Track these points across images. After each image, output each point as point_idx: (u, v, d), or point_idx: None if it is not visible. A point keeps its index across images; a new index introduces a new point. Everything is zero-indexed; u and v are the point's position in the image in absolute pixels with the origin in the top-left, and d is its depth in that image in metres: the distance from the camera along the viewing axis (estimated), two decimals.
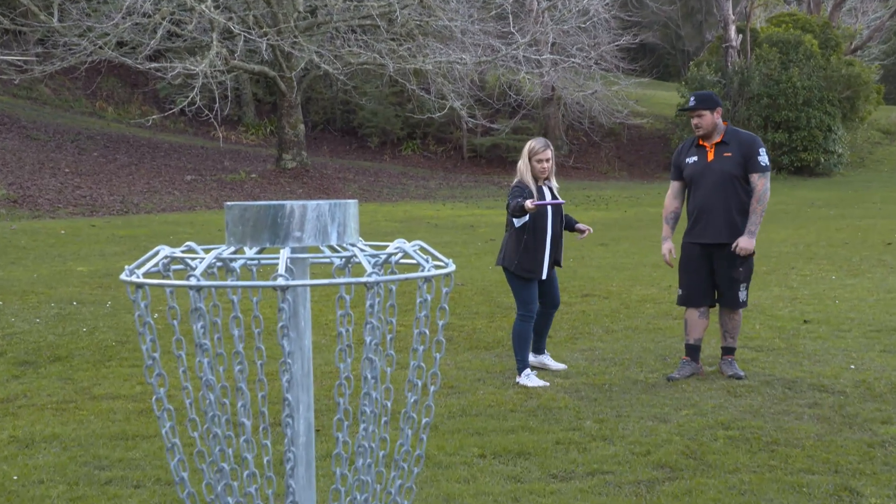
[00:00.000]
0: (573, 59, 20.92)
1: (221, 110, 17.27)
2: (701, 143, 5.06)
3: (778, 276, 8.48)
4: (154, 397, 1.84)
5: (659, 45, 34.74)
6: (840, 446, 3.72)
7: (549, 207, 4.96)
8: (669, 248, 5.13)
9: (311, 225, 1.73)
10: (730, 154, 4.99)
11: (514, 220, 4.94)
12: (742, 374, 4.97)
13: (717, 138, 5.03)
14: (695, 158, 5.04)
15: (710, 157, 5.00)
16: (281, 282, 1.60)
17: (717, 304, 5.09)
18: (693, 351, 5.04)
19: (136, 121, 20.94)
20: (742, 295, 5.01)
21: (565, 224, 5.11)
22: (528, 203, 4.72)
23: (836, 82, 23.61)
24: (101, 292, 7.71)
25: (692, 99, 5.05)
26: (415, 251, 1.78)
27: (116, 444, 3.91)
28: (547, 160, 4.94)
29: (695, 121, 5.01)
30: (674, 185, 5.16)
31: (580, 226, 5.09)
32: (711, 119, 4.99)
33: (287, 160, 19.09)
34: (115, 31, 15.80)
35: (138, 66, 16.32)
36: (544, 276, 4.95)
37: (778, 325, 6.23)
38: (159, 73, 16.65)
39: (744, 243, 4.94)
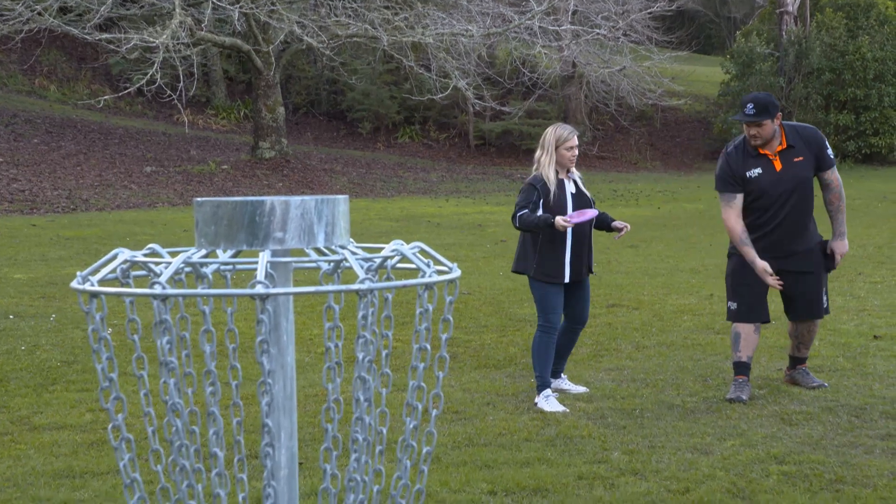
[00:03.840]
0: (598, 31, 20.95)
1: (186, 90, 17.34)
2: (761, 151, 5.05)
3: (842, 284, 8.49)
4: (110, 425, 1.87)
5: (700, 13, 34.79)
6: None
7: (571, 199, 5.01)
8: (764, 266, 4.98)
9: (295, 224, 1.76)
10: (801, 158, 5.04)
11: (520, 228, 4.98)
12: (826, 383, 5.17)
13: (780, 144, 5.05)
14: (759, 171, 5.03)
15: (779, 166, 5.03)
16: (260, 290, 1.63)
17: (788, 318, 5.23)
18: (746, 369, 5.09)
19: (85, 102, 21.00)
20: (826, 300, 5.22)
21: (599, 223, 5.14)
22: (560, 221, 4.79)
23: None
24: (44, 304, 7.76)
25: (750, 106, 4.97)
26: (414, 254, 1.81)
27: (61, 483, 3.94)
28: (576, 147, 5.02)
29: (753, 131, 4.98)
30: (735, 203, 5.02)
31: (617, 223, 5.11)
32: (772, 128, 4.99)
33: (264, 149, 19.15)
34: None
35: (86, 36, 16.36)
36: (567, 279, 4.98)
37: (842, 342, 6.25)
38: (112, 46, 16.70)
39: (840, 248, 5.15)
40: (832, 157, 5.13)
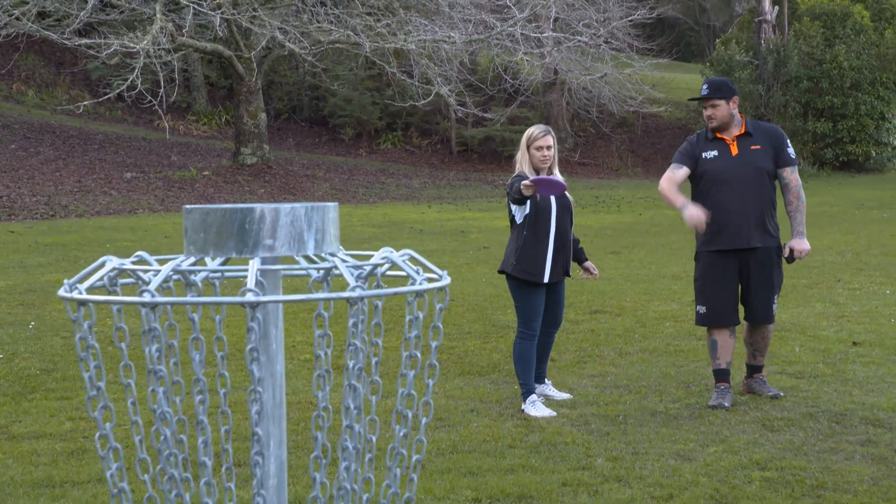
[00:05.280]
0: (579, 38, 21.07)
1: (167, 96, 17.24)
2: (718, 135, 5.16)
3: (821, 290, 8.57)
4: (97, 434, 1.86)
5: (680, 20, 35.06)
6: None
7: (554, 201, 5.02)
8: (699, 211, 4.90)
9: (285, 232, 1.76)
10: (758, 147, 5.11)
11: (516, 213, 5.00)
12: (781, 393, 5.15)
13: (738, 130, 5.15)
14: (714, 153, 5.12)
15: (735, 150, 5.10)
16: (250, 297, 1.63)
17: (744, 320, 5.23)
18: (726, 376, 5.13)
19: (64, 107, 20.85)
20: (775, 307, 5.21)
21: (574, 255, 5.19)
22: (525, 182, 4.74)
23: (892, 61, 23.84)
24: (22, 311, 7.68)
25: (704, 87, 5.18)
26: (404, 262, 1.82)
27: (40, 493, 3.90)
28: (548, 147, 5.02)
29: (708, 111, 5.13)
30: (678, 172, 5.08)
31: (588, 264, 5.20)
32: (727, 109, 5.10)
33: (246, 155, 19.09)
34: None
35: (65, 41, 16.25)
36: (546, 279, 5.00)
37: (822, 348, 6.31)
38: (91, 51, 16.58)
39: (798, 245, 5.13)
40: (792, 156, 5.16)
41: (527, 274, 4.98)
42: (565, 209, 5.07)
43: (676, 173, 5.13)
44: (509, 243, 5.10)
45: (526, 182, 4.74)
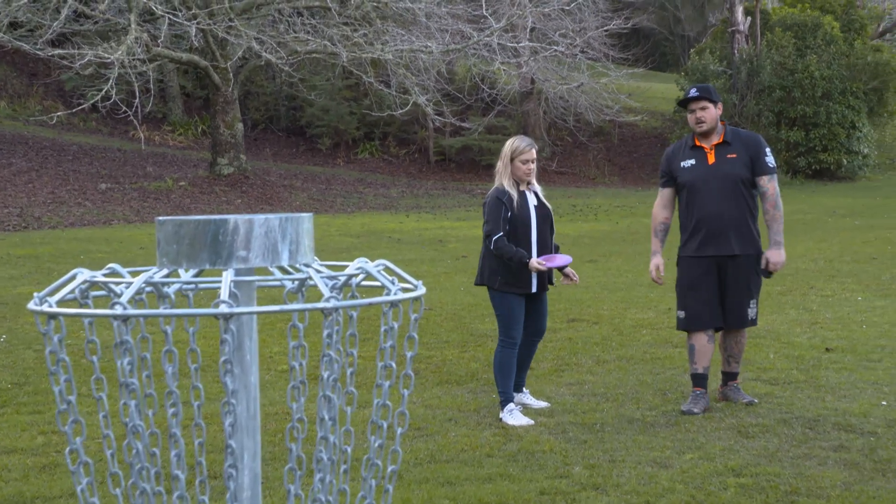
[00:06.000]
0: (555, 47, 21.20)
1: (143, 106, 17.14)
2: (698, 143, 5.21)
3: (795, 297, 8.66)
4: (68, 448, 1.84)
5: (655, 31, 35.38)
6: (872, 497, 3.81)
7: (534, 211, 5.05)
8: (658, 263, 5.31)
9: (259, 243, 1.75)
10: (734, 155, 5.16)
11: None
12: (755, 399, 5.16)
13: (717, 139, 5.21)
14: (692, 162, 5.19)
15: (712, 159, 5.16)
16: (224, 309, 1.62)
17: (721, 326, 5.26)
18: (703, 381, 5.16)
19: (37, 118, 20.65)
20: (752, 312, 5.22)
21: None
22: (534, 263, 4.90)
23: (861, 71, 24.19)
24: None
25: (693, 90, 5.22)
26: (379, 272, 1.82)
27: None
28: (533, 161, 5.05)
29: (698, 114, 5.17)
30: (664, 194, 5.33)
31: (568, 270, 5.23)
32: (715, 114, 5.19)
33: (222, 165, 19.00)
34: (6, 8, 15.61)
35: (38, 52, 16.11)
36: (534, 289, 5.02)
37: (796, 355, 6.37)
38: (65, 62, 16.45)
39: (774, 257, 5.18)
40: (771, 165, 5.18)
41: (514, 287, 4.99)
42: (545, 219, 5.10)
43: (664, 196, 5.33)
44: (487, 254, 5.10)
45: (536, 267, 4.90)
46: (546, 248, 5.08)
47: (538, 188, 5.18)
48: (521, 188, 5.08)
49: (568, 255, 5.12)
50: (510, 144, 5.07)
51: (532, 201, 5.09)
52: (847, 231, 14.45)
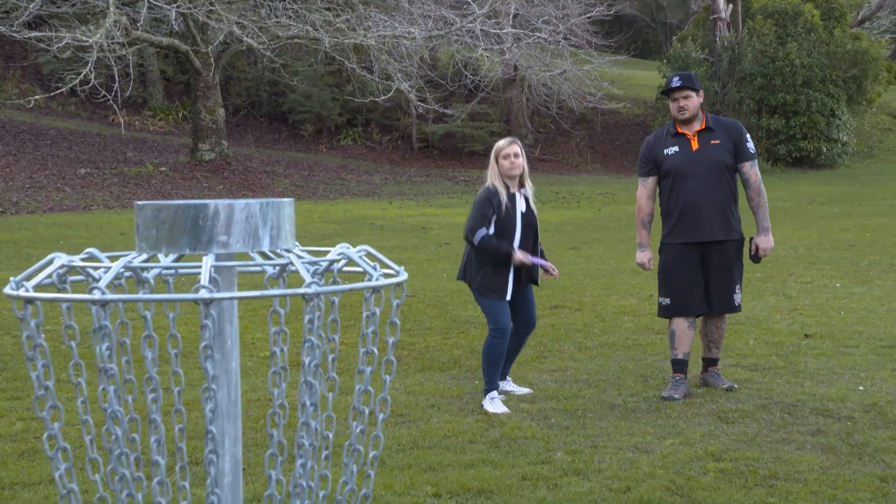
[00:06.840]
0: (538, 34, 21.16)
1: (122, 91, 16.95)
2: (680, 131, 5.23)
3: (774, 284, 8.72)
4: (45, 434, 1.83)
5: (637, 18, 35.40)
6: (848, 480, 3.85)
7: (520, 218, 5.05)
8: (650, 256, 5.36)
9: (240, 228, 1.74)
10: (718, 141, 5.19)
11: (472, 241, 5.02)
12: (735, 385, 5.20)
13: (699, 125, 5.24)
14: (675, 149, 5.21)
15: (696, 145, 5.19)
16: (204, 294, 1.61)
17: (705, 312, 5.29)
18: (683, 367, 5.19)
19: (14, 101, 20.39)
20: (738, 298, 5.26)
21: (534, 253, 5.23)
22: (518, 255, 4.94)
23: (841, 59, 24.32)
24: None
25: (675, 79, 5.24)
26: (360, 257, 1.81)
27: None
28: (515, 155, 5.04)
29: (681, 102, 5.19)
30: (647, 183, 5.33)
31: (547, 264, 5.24)
32: (697, 102, 5.22)
33: (204, 151, 18.86)
34: None
35: (14, 34, 15.86)
36: (508, 297, 5.05)
37: (775, 341, 6.42)
38: (42, 45, 16.24)
39: (764, 243, 5.25)
40: (752, 151, 5.24)
41: (490, 292, 5.04)
42: (529, 228, 5.10)
43: (646, 186, 5.32)
44: (470, 254, 5.10)
45: (521, 260, 4.96)
46: (529, 253, 5.11)
47: (530, 192, 5.17)
48: (513, 190, 5.08)
49: (547, 263, 5.23)
50: (495, 146, 5.16)
51: (521, 207, 5.08)
52: (826, 219, 14.57)
